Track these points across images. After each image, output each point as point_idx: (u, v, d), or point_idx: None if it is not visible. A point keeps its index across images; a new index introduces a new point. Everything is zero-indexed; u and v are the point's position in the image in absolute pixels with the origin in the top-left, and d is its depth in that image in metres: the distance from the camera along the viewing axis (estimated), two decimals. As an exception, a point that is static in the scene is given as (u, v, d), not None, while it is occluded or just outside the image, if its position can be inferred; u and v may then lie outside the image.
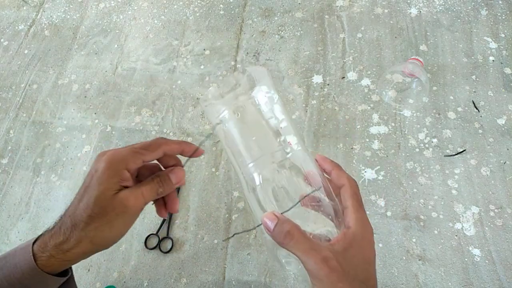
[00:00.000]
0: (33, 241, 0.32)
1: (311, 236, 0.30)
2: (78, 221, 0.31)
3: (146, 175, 0.36)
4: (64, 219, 0.32)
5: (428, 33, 0.98)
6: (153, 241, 0.78)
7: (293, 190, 0.34)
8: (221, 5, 1.09)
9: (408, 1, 1.04)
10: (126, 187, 0.32)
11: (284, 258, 0.35)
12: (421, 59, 0.88)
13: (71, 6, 1.15)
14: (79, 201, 0.31)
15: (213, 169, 0.85)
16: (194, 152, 0.37)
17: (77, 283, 0.36)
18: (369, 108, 0.89)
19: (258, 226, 0.33)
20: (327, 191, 0.33)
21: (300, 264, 0.30)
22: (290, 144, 0.35)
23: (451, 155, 0.82)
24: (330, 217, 0.33)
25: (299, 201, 0.33)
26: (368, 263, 0.30)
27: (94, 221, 0.31)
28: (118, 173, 0.32)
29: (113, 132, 0.92)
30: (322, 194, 0.33)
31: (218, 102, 0.36)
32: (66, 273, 0.34)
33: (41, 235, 0.32)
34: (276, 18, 1.05)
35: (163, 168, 0.37)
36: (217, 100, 0.37)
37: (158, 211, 0.38)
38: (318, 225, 0.33)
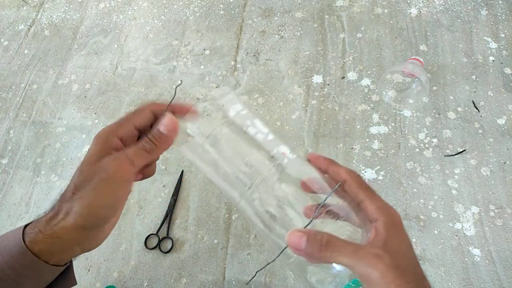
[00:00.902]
0: (27, 223, 0.31)
1: None
2: (66, 193, 0.31)
3: None
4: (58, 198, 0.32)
5: (428, 33, 0.98)
6: (153, 241, 0.78)
7: (302, 203, 0.32)
8: (221, 5, 1.09)
9: (408, 1, 1.04)
10: None
11: (315, 277, 0.32)
12: (421, 59, 0.88)
13: (71, 6, 1.15)
14: (72, 179, 0.32)
15: (213, 169, 0.85)
16: (188, 113, 0.35)
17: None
18: (369, 108, 0.89)
19: (284, 249, 0.29)
20: (337, 193, 0.31)
21: (336, 278, 0.27)
22: (285, 154, 0.33)
23: (451, 155, 0.82)
24: (350, 218, 0.30)
25: (318, 209, 0.30)
26: (408, 248, 0.28)
27: (79, 189, 0.30)
28: (106, 141, 0.32)
29: (113, 132, 0.92)
30: (333, 197, 0.31)
31: (197, 136, 0.35)
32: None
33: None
34: (276, 18, 1.05)
35: None
36: (197, 134, 0.35)
37: None
38: (338, 231, 0.30)
